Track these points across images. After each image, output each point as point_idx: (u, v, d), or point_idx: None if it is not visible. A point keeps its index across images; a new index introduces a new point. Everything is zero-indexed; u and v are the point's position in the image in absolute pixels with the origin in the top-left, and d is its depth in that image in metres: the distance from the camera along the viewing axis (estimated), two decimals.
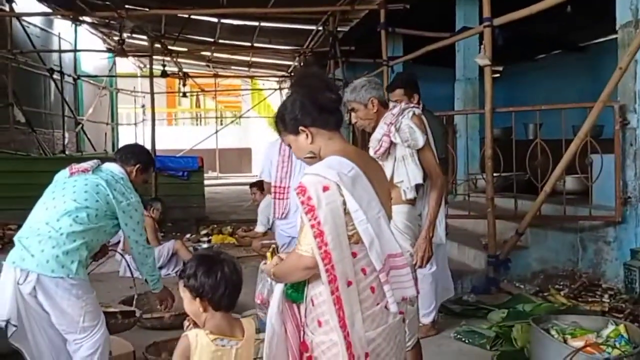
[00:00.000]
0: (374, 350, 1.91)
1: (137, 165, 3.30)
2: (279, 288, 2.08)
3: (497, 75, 13.52)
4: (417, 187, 3.17)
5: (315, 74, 2.22)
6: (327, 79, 2.19)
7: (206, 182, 10.95)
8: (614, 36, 5.60)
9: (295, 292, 2.02)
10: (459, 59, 8.24)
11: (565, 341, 3.32)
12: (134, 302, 3.55)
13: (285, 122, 2.07)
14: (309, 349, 1.96)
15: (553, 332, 3.41)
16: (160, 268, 6.24)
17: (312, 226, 1.83)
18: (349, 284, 1.86)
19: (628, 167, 5.15)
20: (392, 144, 3.13)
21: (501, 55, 8.27)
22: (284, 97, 2.21)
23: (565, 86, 10.84)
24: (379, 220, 1.93)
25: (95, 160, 3.27)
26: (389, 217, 2.06)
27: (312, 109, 2.01)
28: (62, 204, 2.95)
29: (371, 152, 3.16)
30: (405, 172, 3.12)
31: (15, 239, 2.94)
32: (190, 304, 2.10)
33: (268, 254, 2.14)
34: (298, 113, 2.02)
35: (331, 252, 1.83)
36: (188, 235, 8.25)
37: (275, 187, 4.13)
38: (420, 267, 3.22)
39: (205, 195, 10.51)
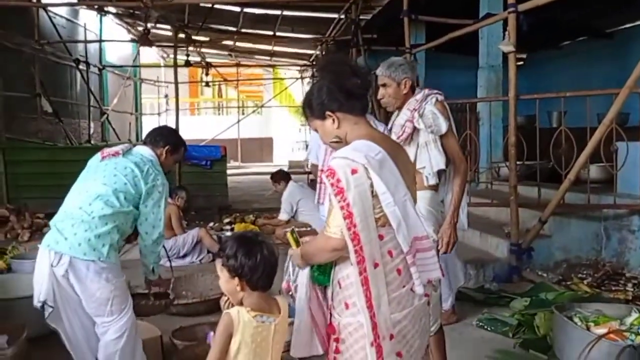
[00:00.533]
0: (400, 331, 1.94)
1: (167, 147, 3.30)
2: (305, 273, 2.12)
3: (521, 63, 13.37)
4: (440, 173, 3.18)
5: (341, 60, 2.23)
6: (353, 65, 2.19)
7: (228, 171, 11.04)
8: None
9: (322, 275, 2.07)
10: (482, 46, 8.15)
11: (588, 328, 3.31)
12: (171, 286, 3.58)
13: (312, 107, 2.10)
14: (336, 331, 2.00)
15: (576, 320, 3.40)
16: (185, 256, 6.35)
17: (342, 208, 1.86)
18: (376, 265, 1.89)
19: None
20: (415, 130, 3.13)
21: (525, 42, 8.19)
22: (310, 84, 2.24)
23: (590, 73, 10.69)
24: (405, 203, 1.95)
25: (126, 144, 3.30)
26: (414, 201, 2.07)
27: (338, 95, 2.04)
28: (94, 187, 3.01)
29: (393, 137, 3.14)
30: (428, 158, 3.13)
31: (51, 223, 3.02)
32: (227, 283, 2.15)
33: (289, 236, 2.18)
34: (325, 98, 2.05)
35: (360, 233, 1.86)
36: (211, 224, 8.34)
37: (322, 170, 4.01)
38: (445, 252, 3.21)
39: (228, 185, 10.62)
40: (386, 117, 4.64)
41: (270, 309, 2.15)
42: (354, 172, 1.88)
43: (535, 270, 5.35)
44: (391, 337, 1.91)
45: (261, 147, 25.28)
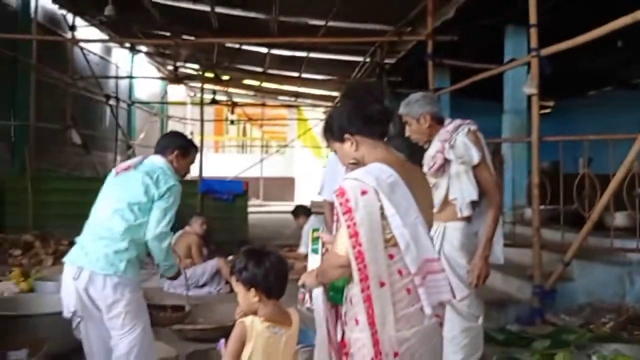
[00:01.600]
0: (407, 349, 1.94)
1: (176, 152, 3.31)
2: (319, 294, 2.16)
3: (548, 110, 13.42)
4: (473, 204, 3.13)
5: (363, 86, 2.32)
6: (375, 91, 2.26)
7: (250, 209, 11.12)
8: None
9: (337, 293, 2.11)
10: (506, 90, 8.23)
11: None
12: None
13: (333, 130, 2.18)
14: (347, 346, 2.04)
15: (594, 358, 3.34)
16: (204, 285, 6.37)
17: (348, 227, 1.92)
18: (382, 284, 1.93)
19: None
20: (446, 161, 3.10)
21: (552, 90, 8.24)
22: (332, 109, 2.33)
23: (617, 122, 10.63)
24: (416, 226, 1.99)
25: (139, 157, 3.36)
26: (430, 225, 2.11)
27: (358, 119, 2.11)
28: (110, 203, 3.10)
29: (425, 169, 3.14)
30: (460, 189, 3.08)
31: (76, 239, 3.13)
32: (244, 297, 2.23)
33: (310, 235, 2.26)
34: (345, 122, 2.13)
35: (365, 252, 1.91)
36: (230, 257, 8.36)
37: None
38: (476, 286, 3.14)
39: (249, 222, 10.69)
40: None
41: (283, 321, 2.23)
42: (363, 193, 1.94)
43: (558, 314, 5.25)
44: (395, 354, 1.92)
45: (283, 187, 25.41)
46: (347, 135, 2.12)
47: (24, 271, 6.29)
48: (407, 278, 1.97)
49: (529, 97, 5.65)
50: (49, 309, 4.26)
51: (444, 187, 3.09)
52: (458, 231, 3.09)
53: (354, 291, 2.01)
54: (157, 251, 3.17)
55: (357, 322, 1.99)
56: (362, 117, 2.10)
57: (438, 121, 3.23)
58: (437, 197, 3.08)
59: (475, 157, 3.06)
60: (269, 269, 2.21)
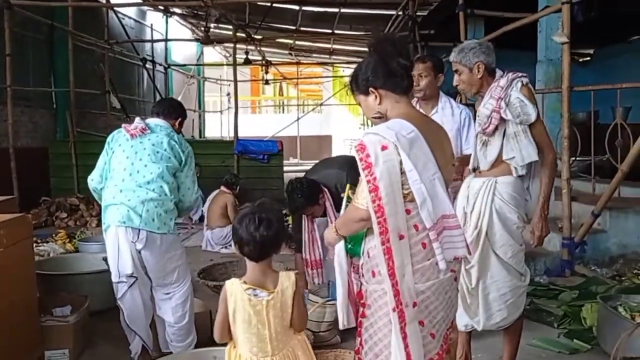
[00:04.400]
0: (422, 301, 2.02)
1: (179, 119, 3.49)
2: (339, 247, 2.23)
3: (588, 58, 12.94)
4: (530, 163, 2.96)
5: (389, 40, 2.27)
6: (401, 45, 2.21)
7: (287, 167, 11.25)
8: None
9: (355, 246, 2.18)
10: (540, 40, 7.97)
11: (633, 318, 3.26)
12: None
13: (358, 82, 2.19)
14: (363, 297, 2.12)
15: (621, 310, 3.36)
16: None
17: (368, 181, 1.96)
18: (401, 237, 1.98)
19: None
20: (502, 120, 2.90)
21: (591, 37, 7.93)
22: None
23: None
24: (433, 182, 2.02)
25: (138, 119, 3.45)
26: (448, 181, 2.13)
27: (383, 73, 2.12)
28: (149, 168, 3.19)
29: (478, 129, 3.03)
30: (519, 149, 2.90)
31: (113, 201, 3.16)
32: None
33: (346, 190, 2.34)
34: (370, 75, 2.14)
35: (384, 206, 1.95)
36: None
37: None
38: (538, 245, 3.08)
39: (285, 181, 10.82)
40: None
41: (265, 284, 2.18)
42: (383, 148, 1.97)
43: (588, 265, 5.24)
44: (414, 304, 2.00)
45: (320, 145, 25.51)
46: (371, 89, 2.15)
47: (69, 233, 6.61)
48: (423, 233, 2.02)
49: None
50: (91, 267, 4.54)
51: (496, 145, 2.93)
52: (510, 186, 2.93)
53: (371, 244, 2.08)
54: (187, 211, 3.46)
55: (373, 274, 2.07)
56: (386, 71, 2.12)
57: (490, 73, 3.01)
58: (489, 155, 2.96)
59: (533, 115, 2.87)
60: (252, 232, 2.14)
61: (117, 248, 3.13)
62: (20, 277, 3.22)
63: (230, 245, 6.33)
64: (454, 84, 3.13)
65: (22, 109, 9.34)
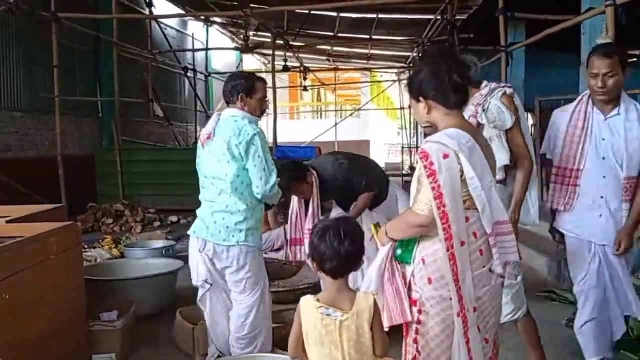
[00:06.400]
0: (479, 307, 2.07)
1: (240, 94, 3.20)
2: (385, 250, 2.22)
3: (634, 59, 12.59)
4: (507, 168, 3.08)
5: (441, 54, 2.30)
6: (457, 60, 2.23)
7: None
8: None
9: (404, 253, 2.17)
10: (584, 42, 7.79)
11: None
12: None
13: (412, 87, 2.23)
14: (417, 304, 2.13)
15: None
16: (279, 249, 6.62)
17: (433, 189, 1.99)
18: (462, 244, 2.02)
19: None
20: (480, 125, 3.02)
21: (637, 38, 7.73)
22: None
23: None
24: (491, 189, 2.07)
25: (214, 117, 3.31)
26: None
27: (431, 87, 2.14)
28: (215, 180, 3.19)
29: None
30: None
31: (197, 212, 3.31)
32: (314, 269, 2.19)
33: (372, 227, 2.31)
34: (422, 84, 2.17)
35: (449, 213, 1.99)
36: None
37: (557, 168, 3.21)
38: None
39: None
40: None
41: (340, 304, 2.06)
42: (445, 156, 2.00)
43: (636, 273, 5.08)
44: (474, 309, 2.05)
45: (358, 150, 25.27)
46: (421, 98, 2.18)
47: (115, 238, 6.79)
48: (481, 240, 2.08)
49: None
50: (137, 273, 4.64)
51: None
52: None
53: (427, 251, 2.10)
54: (270, 199, 3.27)
55: (430, 280, 2.09)
56: (435, 86, 2.14)
57: (474, 85, 3.07)
58: None
59: (509, 122, 2.98)
60: (326, 249, 2.04)
61: (192, 255, 3.27)
62: (70, 283, 3.34)
63: (271, 251, 6.39)
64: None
65: (70, 118, 9.66)
